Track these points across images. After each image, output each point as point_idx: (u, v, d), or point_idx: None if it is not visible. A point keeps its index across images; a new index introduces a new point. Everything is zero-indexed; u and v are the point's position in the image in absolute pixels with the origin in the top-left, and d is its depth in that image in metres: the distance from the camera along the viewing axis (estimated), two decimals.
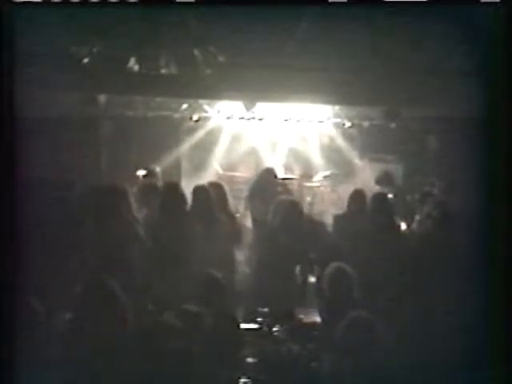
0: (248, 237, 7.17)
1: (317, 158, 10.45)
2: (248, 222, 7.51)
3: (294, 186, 8.93)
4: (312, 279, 6.55)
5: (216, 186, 6.66)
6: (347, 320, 4.00)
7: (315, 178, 9.89)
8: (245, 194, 8.20)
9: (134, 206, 6.44)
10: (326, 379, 4.03)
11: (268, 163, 9.93)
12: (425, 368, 3.98)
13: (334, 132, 10.41)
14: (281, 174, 8.50)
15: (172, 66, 7.16)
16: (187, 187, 6.70)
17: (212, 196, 6.30)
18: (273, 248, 6.38)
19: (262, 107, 9.25)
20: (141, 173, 8.47)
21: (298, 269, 6.46)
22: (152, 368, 3.51)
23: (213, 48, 7.03)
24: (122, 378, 3.55)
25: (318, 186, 9.56)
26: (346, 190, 9.06)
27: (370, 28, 6.21)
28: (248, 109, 8.96)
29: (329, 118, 9.94)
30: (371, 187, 8.05)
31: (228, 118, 9.92)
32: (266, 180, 8.19)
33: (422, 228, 6.67)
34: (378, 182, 8.58)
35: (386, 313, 4.24)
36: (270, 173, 8.25)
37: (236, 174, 9.18)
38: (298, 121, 9.89)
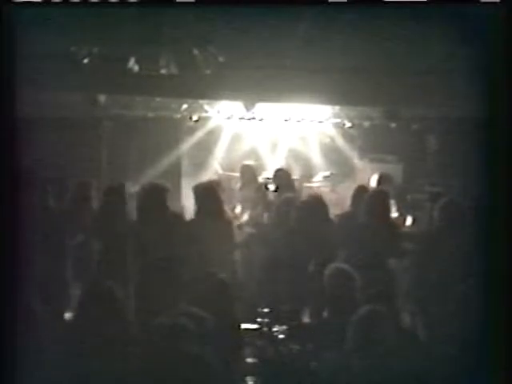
0: (248, 237, 7.18)
1: (317, 158, 10.45)
2: (248, 222, 7.51)
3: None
4: (312, 279, 6.54)
5: (215, 185, 6.65)
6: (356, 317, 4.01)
7: (315, 178, 9.88)
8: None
9: (133, 206, 6.46)
10: (326, 379, 4.03)
11: (268, 163, 9.95)
12: (425, 368, 3.98)
13: (333, 132, 10.40)
14: (269, 175, 8.47)
15: (172, 66, 7.15)
16: (187, 187, 6.70)
17: (211, 195, 6.29)
18: (273, 248, 6.38)
19: (262, 107, 9.25)
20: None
21: (298, 269, 6.46)
22: (152, 369, 3.51)
23: (213, 48, 7.03)
24: (123, 378, 3.55)
25: (318, 187, 9.55)
26: (346, 190, 9.11)
27: (369, 28, 6.20)
28: (248, 109, 8.96)
29: (329, 118, 9.93)
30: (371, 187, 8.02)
31: (228, 118, 9.92)
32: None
33: (423, 227, 6.68)
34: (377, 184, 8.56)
35: (386, 312, 4.22)
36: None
37: (236, 174, 9.17)
38: (298, 121, 9.88)
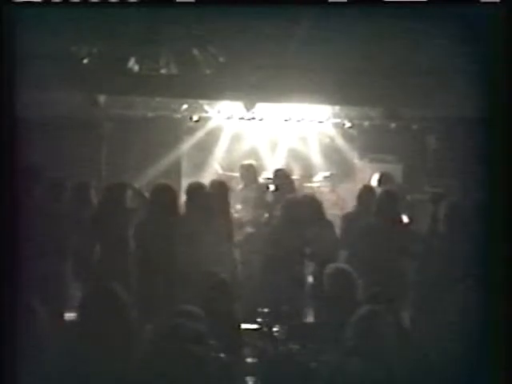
0: (248, 237, 7.18)
1: (317, 158, 10.45)
2: (248, 222, 7.51)
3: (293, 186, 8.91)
4: (312, 279, 6.55)
5: (217, 185, 6.65)
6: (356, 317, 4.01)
7: (315, 178, 9.88)
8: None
9: (133, 206, 6.46)
10: (326, 379, 4.03)
11: (268, 163, 9.94)
12: (425, 368, 3.98)
13: (333, 132, 10.40)
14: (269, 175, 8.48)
15: (172, 66, 7.15)
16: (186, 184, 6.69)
17: (211, 195, 6.29)
18: (273, 248, 6.38)
19: (262, 107, 9.25)
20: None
21: (298, 269, 6.46)
22: (152, 368, 3.51)
23: (213, 48, 7.03)
24: (123, 378, 3.55)
25: (318, 186, 9.56)
26: (346, 191, 9.10)
27: (369, 28, 6.21)
28: (248, 109, 8.96)
29: (329, 118, 9.94)
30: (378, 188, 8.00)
31: (228, 118, 9.92)
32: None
33: (423, 227, 6.68)
34: (378, 183, 8.56)
35: (385, 312, 4.22)
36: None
37: (236, 174, 9.17)
38: (298, 121, 9.88)
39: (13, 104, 3.86)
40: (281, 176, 7.79)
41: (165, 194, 6.02)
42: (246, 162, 8.73)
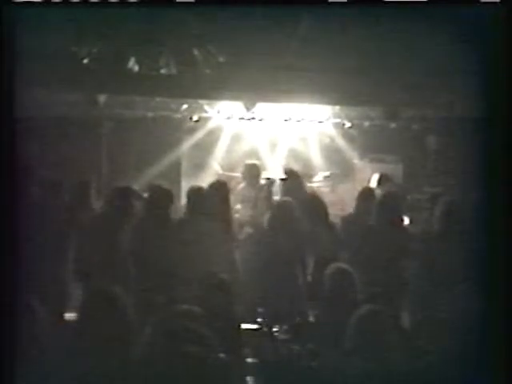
0: (248, 237, 7.17)
1: (317, 158, 10.45)
2: (248, 222, 7.51)
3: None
4: (312, 279, 6.55)
5: (218, 185, 6.65)
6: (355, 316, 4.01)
7: (315, 178, 9.89)
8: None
9: (135, 206, 6.46)
10: (326, 379, 4.03)
11: (268, 163, 9.94)
12: (425, 368, 3.98)
13: (333, 132, 10.41)
14: (280, 175, 8.49)
15: (172, 66, 7.16)
16: (187, 187, 6.69)
17: (211, 195, 6.29)
18: (273, 248, 6.38)
19: (262, 107, 9.25)
20: None
21: (298, 269, 6.46)
22: (151, 368, 3.51)
23: (213, 48, 7.03)
24: (122, 378, 3.55)
25: (318, 186, 9.56)
26: (346, 190, 9.11)
27: (369, 28, 6.21)
28: (248, 109, 8.96)
29: (329, 118, 9.94)
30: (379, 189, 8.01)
31: (228, 118, 9.92)
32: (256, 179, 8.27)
33: (423, 228, 6.68)
34: (378, 184, 8.56)
35: (386, 312, 4.22)
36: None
37: (236, 174, 9.17)
38: (298, 121, 9.89)
39: (13, 104, 3.86)
40: (291, 175, 7.81)
41: (161, 194, 6.04)
42: (250, 161, 8.72)
